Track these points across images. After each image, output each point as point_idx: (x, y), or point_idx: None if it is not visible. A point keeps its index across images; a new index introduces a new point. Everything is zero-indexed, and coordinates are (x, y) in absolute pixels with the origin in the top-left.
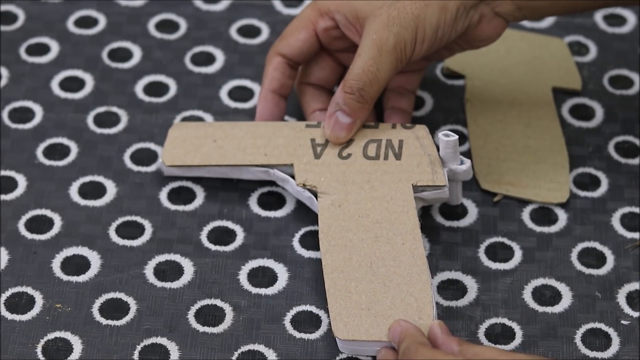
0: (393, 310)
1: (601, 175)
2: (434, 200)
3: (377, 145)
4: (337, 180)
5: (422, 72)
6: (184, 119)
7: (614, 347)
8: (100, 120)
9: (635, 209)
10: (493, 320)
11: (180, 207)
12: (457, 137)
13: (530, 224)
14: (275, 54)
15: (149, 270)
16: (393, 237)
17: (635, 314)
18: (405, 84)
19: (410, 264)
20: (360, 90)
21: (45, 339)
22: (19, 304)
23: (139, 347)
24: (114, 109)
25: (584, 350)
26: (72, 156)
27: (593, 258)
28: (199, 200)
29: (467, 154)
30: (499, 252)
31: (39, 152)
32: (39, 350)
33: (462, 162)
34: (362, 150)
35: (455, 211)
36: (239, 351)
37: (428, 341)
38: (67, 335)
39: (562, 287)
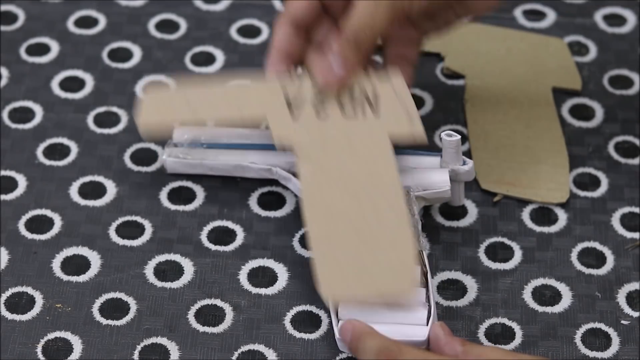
0: (381, 275)
1: (601, 175)
2: (435, 200)
3: (354, 101)
4: (317, 143)
5: (420, 43)
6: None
7: (614, 347)
8: (101, 120)
9: (635, 209)
10: (493, 320)
11: (181, 207)
12: (459, 137)
13: (530, 224)
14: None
15: (149, 270)
16: (377, 201)
17: (635, 314)
18: (405, 53)
19: (395, 227)
20: (356, 40)
21: (46, 338)
22: (19, 303)
23: (139, 347)
24: (114, 109)
25: (584, 350)
26: (72, 156)
27: (593, 258)
28: (199, 200)
29: (467, 154)
30: (499, 252)
31: (39, 152)
32: (39, 350)
33: (464, 163)
34: (339, 108)
35: (455, 211)
36: (239, 351)
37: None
38: (67, 335)
39: (562, 287)
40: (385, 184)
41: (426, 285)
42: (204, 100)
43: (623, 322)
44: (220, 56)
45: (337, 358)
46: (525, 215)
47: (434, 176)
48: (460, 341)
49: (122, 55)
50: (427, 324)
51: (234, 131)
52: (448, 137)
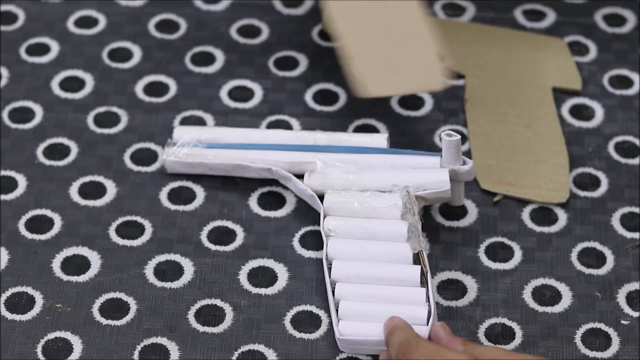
0: (412, 70)
1: (601, 175)
2: (435, 200)
3: None
4: None
5: None
6: (184, 119)
7: (614, 347)
8: (101, 120)
9: (635, 209)
10: (493, 320)
11: (181, 207)
12: (459, 137)
13: (530, 224)
14: None
15: (149, 270)
16: (400, 15)
17: (635, 314)
18: None
19: (416, 31)
20: None
21: (46, 338)
22: (19, 303)
23: (139, 347)
24: (114, 109)
25: (584, 350)
26: (72, 156)
27: (593, 258)
28: (199, 200)
29: (467, 154)
30: (499, 252)
31: (39, 152)
32: (39, 350)
33: (464, 163)
34: None
35: (455, 211)
36: (239, 351)
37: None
38: (67, 335)
39: (562, 287)
40: (407, 5)
41: (426, 285)
42: None
43: (623, 322)
44: (220, 56)
45: (337, 358)
46: (525, 215)
47: (434, 176)
48: (462, 341)
49: (122, 55)
50: (427, 324)
51: (234, 131)
52: (448, 137)
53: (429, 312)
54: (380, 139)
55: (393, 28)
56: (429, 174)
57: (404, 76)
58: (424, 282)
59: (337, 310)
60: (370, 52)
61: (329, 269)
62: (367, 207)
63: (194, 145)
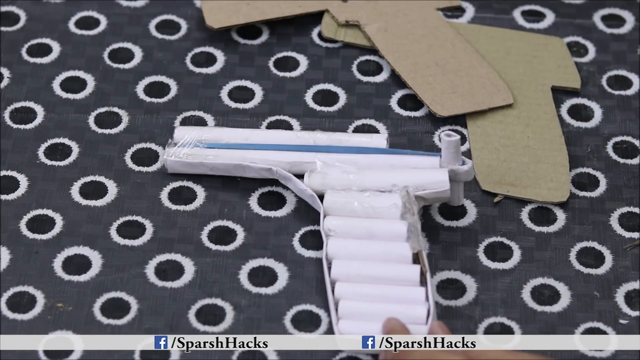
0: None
1: (600, 176)
2: (434, 200)
3: None
4: (374, 13)
5: None
6: (185, 120)
7: (613, 346)
8: (102, 121)
9: (634, 209)
10: (492, 320)
11: (181, 207)
12: (458, 137)
13: (529, 224)
14: None
15: (149, 270)
16: None
17: (634, 314)
18: None
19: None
20: None
21: (47, 338)
22: (20, 303)
23: (139, 347)
24: (115, 110)
25: (583, 350)
26: (74, 156)
27: (592, 258)
28: (199, 200)
29: (467, 155)
30: (498, 252)
31: (41, 152)
32: (40, 349)
33: (463, 163)
34: None
35: (454, 211)
36: (239, 350)
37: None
38: (68, 334)
39: (561, 287)
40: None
41: (425, 285)
42: None
43: (621, 321)
44: (220, 57)
45: (337, 357)
46: (524, 215)
47: (434, 176)
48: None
49: (123, 55)
50: (427, 323)
51: (235, 131)
52: (447, 137)
53: (428, 311)
54: (380, 139)
55: (440, 54)
56: (428, 174)
57: (473, 96)
58: (423, 282)
59: (336, 310)
60: (432, 78)
61: (329, 268)
62: (367, 207)
63: (195, 146)
